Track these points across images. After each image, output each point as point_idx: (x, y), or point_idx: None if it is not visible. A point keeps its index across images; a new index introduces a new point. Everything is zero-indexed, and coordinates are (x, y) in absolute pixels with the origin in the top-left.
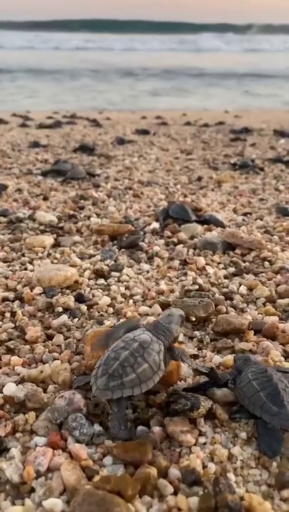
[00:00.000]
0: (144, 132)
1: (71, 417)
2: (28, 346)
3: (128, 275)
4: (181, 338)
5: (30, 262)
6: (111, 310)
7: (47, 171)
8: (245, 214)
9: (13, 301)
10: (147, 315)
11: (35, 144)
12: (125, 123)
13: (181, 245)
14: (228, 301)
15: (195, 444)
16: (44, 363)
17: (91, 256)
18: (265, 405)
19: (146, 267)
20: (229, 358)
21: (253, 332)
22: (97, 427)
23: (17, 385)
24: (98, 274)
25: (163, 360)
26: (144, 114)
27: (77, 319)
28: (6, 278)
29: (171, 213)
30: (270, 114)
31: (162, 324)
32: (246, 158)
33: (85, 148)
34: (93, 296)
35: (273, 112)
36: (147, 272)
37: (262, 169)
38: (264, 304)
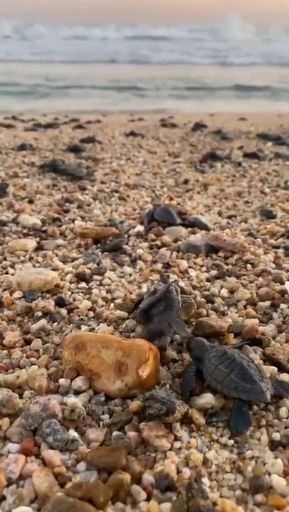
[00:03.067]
0: (133, 134)
1: (45, 423)
2: (5, 351)
3: (110, 278)
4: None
5: (12, 266)
6: (91, 314)
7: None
8: (229, 217)
9: None
10: (127, 318)
11: (23, 147)
12: (114, 125)
13: (165, 248)
14: (210, 304)
15: (170, 449)
16: (21, 368)
17: (74, 259)
18: (239, 385)
19: (129, 270)
20: None
21: (233, 335)
22: (72, 433)
23: None
24: (80, 277)
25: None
26: (132, 117)
27: (56, 323)
28: None
29: (156, 216)
30: (259, 117)
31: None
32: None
33: (75, 150)
34: (74, 300)
35: (263, 115)
36: (130, 275)
37: (229, 158)
38: (245, 307)
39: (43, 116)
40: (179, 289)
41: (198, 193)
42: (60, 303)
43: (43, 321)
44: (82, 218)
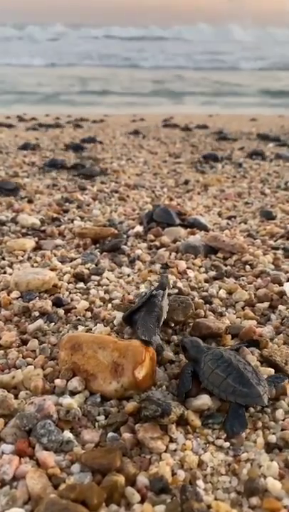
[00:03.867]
0: (136, 133)
1: (40, 424)
2: (1, 351)
3: (108, 279)
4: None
5: (10, 266)
6: (89, 314)
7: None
8: (229, 217)
9: None
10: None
11: (25, 146)
12: (115, 126)
13: (164, 249)
14: (207, 305)
15: (165, 451)
16: (17, 369)
17: (72, 259)
18: (236, 390)
19: (127, 270)
20: None
21: (230, 336)
22: (66, 434)
23: None
24: (78, 277)
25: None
26: (134, 118)
27: (53, 324)
28: None
29: (155, 217)
30: (262, 119)
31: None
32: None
33: (76, 149)
34: (72, 300)
35: (265, 116)
36: (128, 275)
37: (229, 159)
38: (243, 308)
39: (45, 116)
40: (166, 294)
41: (199, 193)
42: (58, 303)
43: (40, 321)
44: (82, 218)
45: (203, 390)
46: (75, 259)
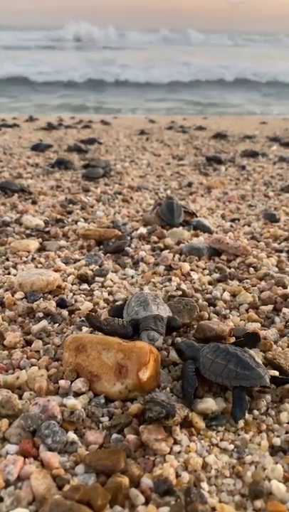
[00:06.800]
0: (141, 133)
1: (44, 425)
2: (6, 352)
3: (112, 280)
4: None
5: (14, 267)
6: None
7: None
8: (233, 220)
9: None
10: None
11: (36, 147)
12: (119, 128)
13: (167, 251)
14: (211, 307)
15: (169, 453)
16: (22, 369)
17: (76, 261)
18: (238, 374)
19: (131, 272)
20: None
21: (234, 338)
22: (71, 435)
23: None
24: (82, 279)
25: None
26: (140, 119)
27: (57, 325)
28: None
29: (160, 212)
30: (264, 122)
31: None
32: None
33: (79, 150)
34: (76, 301)
35: (267, 119)
36: (132, 277)
37: (232, 161)
38: (247, 311)
39: (50, 117)
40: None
41: (202, 195)
42: (62, 304)
43: (44, 322)
44: (85, 220)
45: (208, 391)
46: (79, 260)
